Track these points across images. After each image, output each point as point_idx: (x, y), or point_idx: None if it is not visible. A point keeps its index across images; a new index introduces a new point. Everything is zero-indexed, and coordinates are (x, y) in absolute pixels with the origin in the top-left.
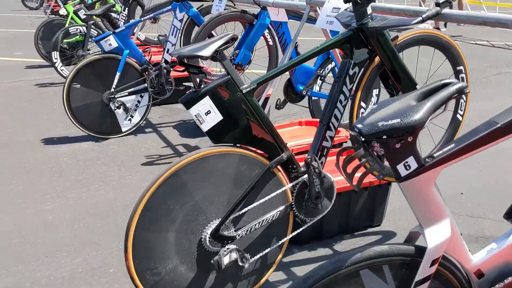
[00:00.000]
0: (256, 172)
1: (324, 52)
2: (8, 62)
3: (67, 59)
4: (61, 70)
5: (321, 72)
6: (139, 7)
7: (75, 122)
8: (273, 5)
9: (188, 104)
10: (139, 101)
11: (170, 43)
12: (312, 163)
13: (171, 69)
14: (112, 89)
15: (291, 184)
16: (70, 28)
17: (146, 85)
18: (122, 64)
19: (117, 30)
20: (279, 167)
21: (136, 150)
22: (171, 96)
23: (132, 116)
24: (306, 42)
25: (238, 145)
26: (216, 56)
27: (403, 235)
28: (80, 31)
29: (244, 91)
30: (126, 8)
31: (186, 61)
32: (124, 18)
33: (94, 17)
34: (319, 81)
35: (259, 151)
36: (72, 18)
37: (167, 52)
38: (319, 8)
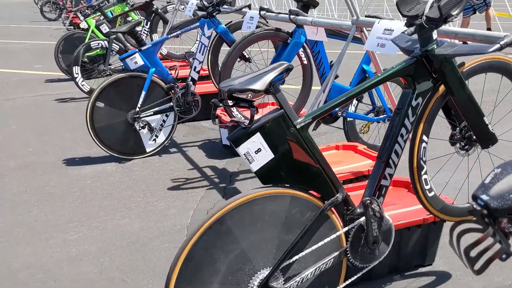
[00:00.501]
0: (308, 215)
1: (387, 81)
2: (28, 75)
3: (87, 73)
4: (82, 85)
5: None
6: (160, 21)
7: (98, 143)
8: (312, 24)
9: (237, 142)
10: (164, 121)
11: (197, 61)
12: (372, 206)
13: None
14: (137, 109)
15: (346, 228)
16: (91, 43)
17: (171, 104)
18: (148, 83)
19: (143, 48)
20: (333, 208)
21: (161, 173)
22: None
23: (156, 136)
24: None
25: (288, 185)
26: (270, 88)
27: (458, 276)
28: (102, 46)
29: (298, 126)
30: (148, 22)
31: (235, 95)
32: (146, 32)
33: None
34: (354, 101)
35: (311, 192)
36: (92, 31)
37: (194, 69)
38: (366, 29)
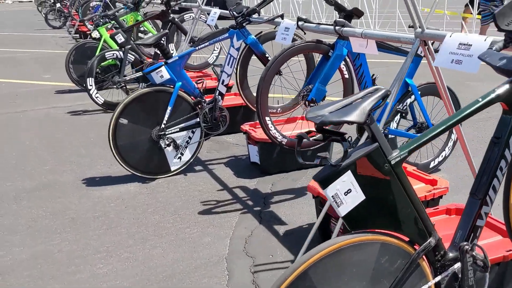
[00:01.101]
0: (398, 264)
1: (488, 107)
2: (38, 86)
3: (99, 83)
4: (96, 97)
5: (400, 107)
6: (177, 30)
7: (121, 162)
8: (362, 36)
9: (325, 183)
10: (190, 137)
11: (226, 74)
12: (469, 251)
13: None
14: (162, 125)
15: (438, 278)
16: (106, 53)
17: (198, 119)
18: (174, 97)
19: (169, 61)
20: (423, 255)
21: (189, 194)
22: None
23: (182, 154)
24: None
25: (377, 230)
26: (367, 119)
27: None
28: (117, 56)
29: (392, 162)
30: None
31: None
32: (162, 42)
33: (131, 41)
34: (397, 117)
35: (401, 236)
36: (104, 41)
37: (222, 83)
38: (431, 43)
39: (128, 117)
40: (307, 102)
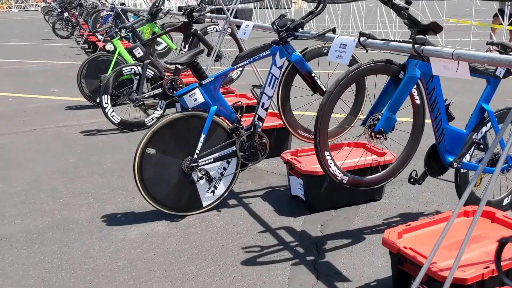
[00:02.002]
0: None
1: None
2: (47, 101)
3: (112, 99)
4: (112, 116)
5: (477, 137)
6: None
7: (147, 198)
8: (453, 57)
9: None
10: (225, 168)
11: (266, 96)
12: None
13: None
14: (195, 155)
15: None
16: (123, 68)
17: (235, 148)
18: (209, 123)
19: (204, 82)
20: None
21: (226, 237)
22: None
23: (215, 187)
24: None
25: None
26: None
27: None
28: (135, 72)
29: None
30: (186, 45)
31: None
32: None
33: (150, 55)
34: (472, 150)
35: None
36: (119, 54)
37: (262, 106)
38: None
39: (157, 146)
40: (373, 134)
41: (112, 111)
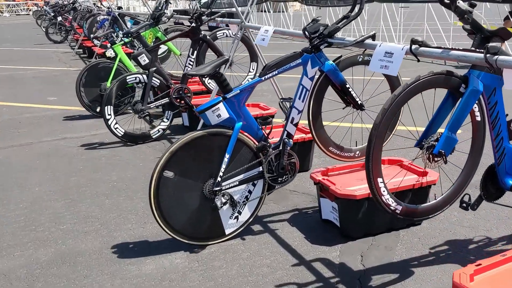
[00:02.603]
0: None
1: None
2: (43, 110)
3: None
4: (115, 129)
5: None
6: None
7: (164, 227)
8: None
9: None
10: (250, 191)
11: (296, 110)
12: None
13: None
14: (218, 178)
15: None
16: (127, 77)
17: (262, 169)
18: (233, 142)
19: (229, 95)
20: None
21: (256, 272)
22: None
23: (239, 213)
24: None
25: None
26: None
27: None
28: (140, 80)
29: None
30: (195, 52)
31: None
32: (191, 63)
33: (157, 63)
34: None
35: None
36: (120, 60)
37: (291, 122)
38: None
39: (175, 168)
40: (431, 156)
41: (116, 123)
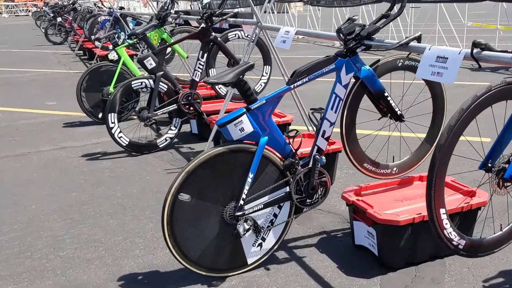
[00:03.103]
0: None
1: None
2: (41, 116)
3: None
4: (119, 138)
5: None
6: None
7: (178, 257)
8: None
9: None
10: (275, 215)
11: (328, 122)
12: None
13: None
14: (241, 201)
15: None
16: (133, 82)
17: (289, 190)
18: (258, 159)
19: (253, 106)
20: None
21: None
22: None
23: (263, 240)
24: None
25: None
26: None
27: None
28: (146, 85)
29: None
30: (205, 55)
31: None
32: (201, 67)
33: (164, 67)
34: None
35: None
36: (124, 63)
37: (323, 135)
38: None
39: (192, 190)
40: (501, 182)
41: (120, 132)
